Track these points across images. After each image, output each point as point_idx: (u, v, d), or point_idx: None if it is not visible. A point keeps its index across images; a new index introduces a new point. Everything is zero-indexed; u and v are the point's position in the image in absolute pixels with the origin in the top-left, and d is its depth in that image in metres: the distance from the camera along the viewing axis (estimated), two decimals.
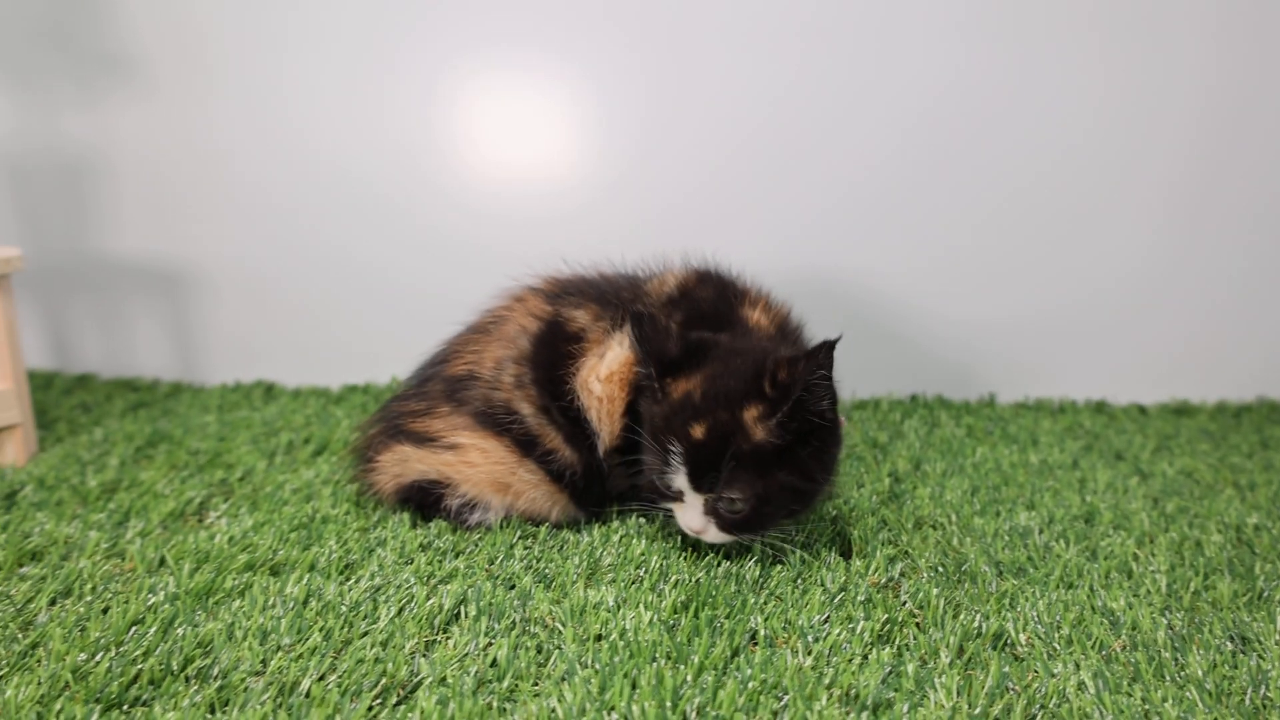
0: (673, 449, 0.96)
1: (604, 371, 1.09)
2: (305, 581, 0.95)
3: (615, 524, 1.14)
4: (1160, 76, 1.68)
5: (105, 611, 0.89)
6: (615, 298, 1.14)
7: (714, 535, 0.99)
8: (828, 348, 0.93)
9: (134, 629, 0.86)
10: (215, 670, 0.79)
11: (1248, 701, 0.76)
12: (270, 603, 0.91)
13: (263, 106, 1.79)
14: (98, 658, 0.80)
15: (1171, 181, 1.72)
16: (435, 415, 1.13)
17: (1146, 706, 0.75)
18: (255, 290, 1.88)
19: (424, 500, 1.13)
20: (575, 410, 1.09)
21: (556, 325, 1.13)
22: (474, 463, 1.10)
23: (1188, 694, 0.77)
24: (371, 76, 1.76)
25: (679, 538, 1.08)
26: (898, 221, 1.76)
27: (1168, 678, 0.79)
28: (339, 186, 1.81)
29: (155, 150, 1.83)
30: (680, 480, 0.97)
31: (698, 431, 0.95)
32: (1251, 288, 1.75)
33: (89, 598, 0.92)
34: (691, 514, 0.98)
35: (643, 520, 1.15)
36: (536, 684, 0.78)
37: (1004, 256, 1.77)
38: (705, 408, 0.96)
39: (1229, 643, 0.86)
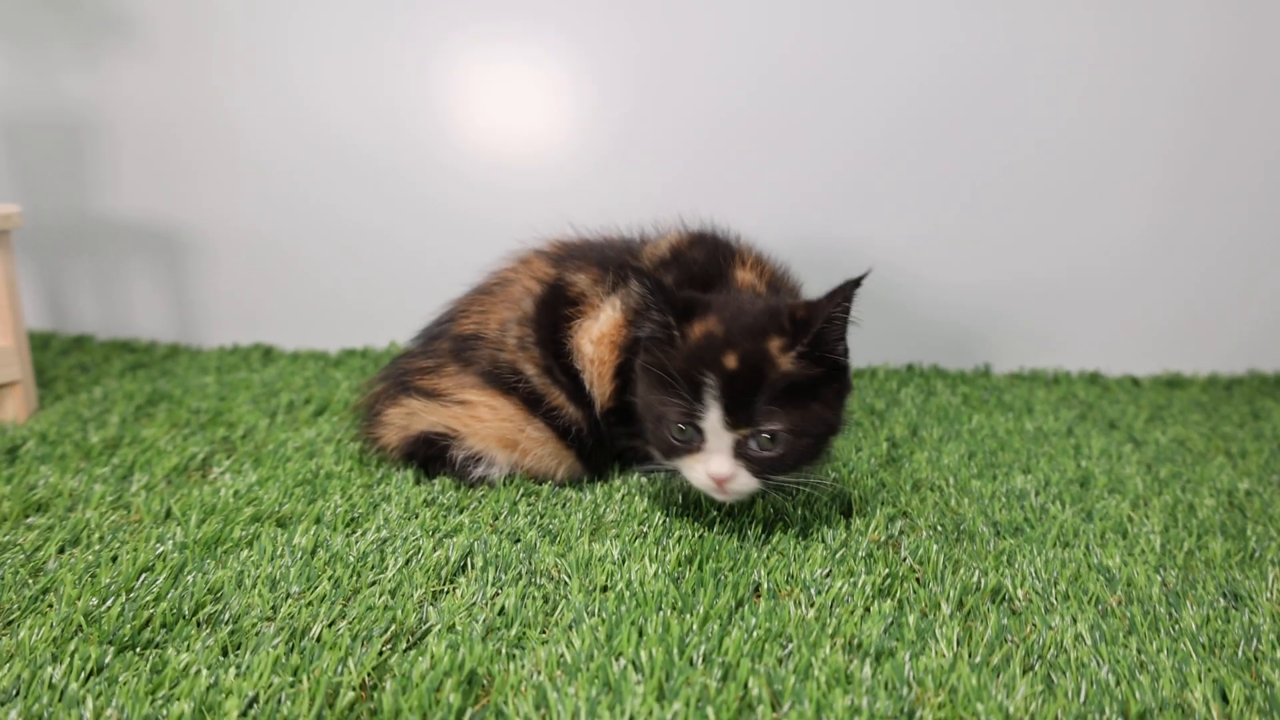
0: (706, 380, 0.91)
1: (595, 334, 1.10)
2: (313, 533, 0.96)
3: (618, 483, 1.15)
4: (1154, 50, 1.68)
5: (114, 560, 0.90)
6: (614, 261, 1.15)
7: (742, 482, 0.93)
8: (852, 284, 0.93)
9: (144, 576, 0.86)
10: (226, 615, 0.80)
11: (1240, 654, 0.78)
12: (279, 552, 0.92)
13: (263, 69, 1.79)
14: (109, 603, 0.81)
15: (1165, 155, 1.73)
16: (443, 374, 1.15)
17: (1142, 657, 0.76)
18: (254, 253, 1.88)
19: (429, 453, 1.14)
20: (576, 371, 1.11)
21: (558, 289, 1.14)
22: (483, 418, 1.12)
23: (1182, 645, 0.78)
24: (371, 43, 1.76)
25: (682, 496, 1.09)
26: (894, 192, 1.77)
27: (1162, 631, 0.81)
28: (337, 152, 1.81)
29: (154, 111, 1.82)
30: (711, 419, 0.92)
31: (731, 361, 0.92)
32: (1243, 262, 1.77)
33: (97, 546, 0.93)
34: (718, 460, 0.93)
35: (644, 480, 1.16)
36: (544, 631, 0.79)
37: (1000, 229, 1.78)
38: (733, 339, 0.93)
39: (1221, 599, 0.87)
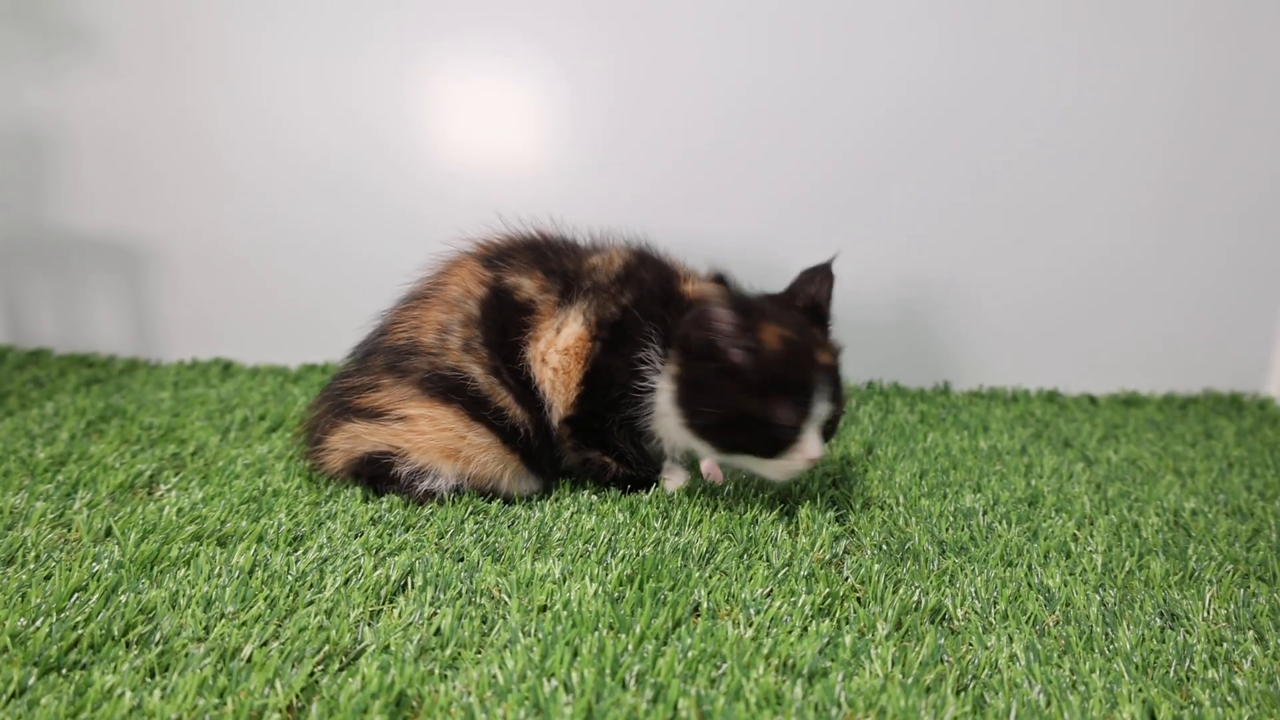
0: (817, 380, 1.02)
1: (561, 344, 1.12)
2: (253, 552, 0.95)
3: (567, 500, 1.15)
4: (1130, 78, 1.70)
5: (48, 579, 0.89)
6: (559, 268, 1.17)
7: (820, 449, 1.04)
8: (829, 266, 1.15)
9: (76, 595, 0.85)
10: (157, 636, 0.79)
11: (1172, 673, 0.78)
12: (216, 572, 0.91)
13: (227, 81, 1.79)
14: (38, 623, 0.80)
15: (1130, 181, 1.75)
16: (380, 389, 1.14)
17: (1074, 677, 0.77)
18: (216, 267, 1.88)
19: (375, 472, 1.14)
20: (526, 375, 1.13)
21: (503, 292, 1.15)
22: (423, 430, 1.11)
23: (1115, 666, 0.78)
24: (342, 54, 1.76)
25: (628, 513, 1.09)
26: (864, 211, 1.78)
27: (1097, 650, 0.81)
28: (304, 164, 1.81)
29: (116, 125, 1.81)
30: (819, 412, 1.02)
31: (825, 358, 1.05)
32: (1200, 283, 1.78)
33: (31, 565, 0.92)
34: (814, 444, 1.03)
35: (594, 497, 1.16)
36: (479, 652, 0.79)
37: (963, 249, 1.79)
38: (812, 338, 1.06)
39: (1158, 619, 0.88)
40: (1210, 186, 1.74)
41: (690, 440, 1.09)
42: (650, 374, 1.09)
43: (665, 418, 1.10)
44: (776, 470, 1.06)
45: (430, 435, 1.11)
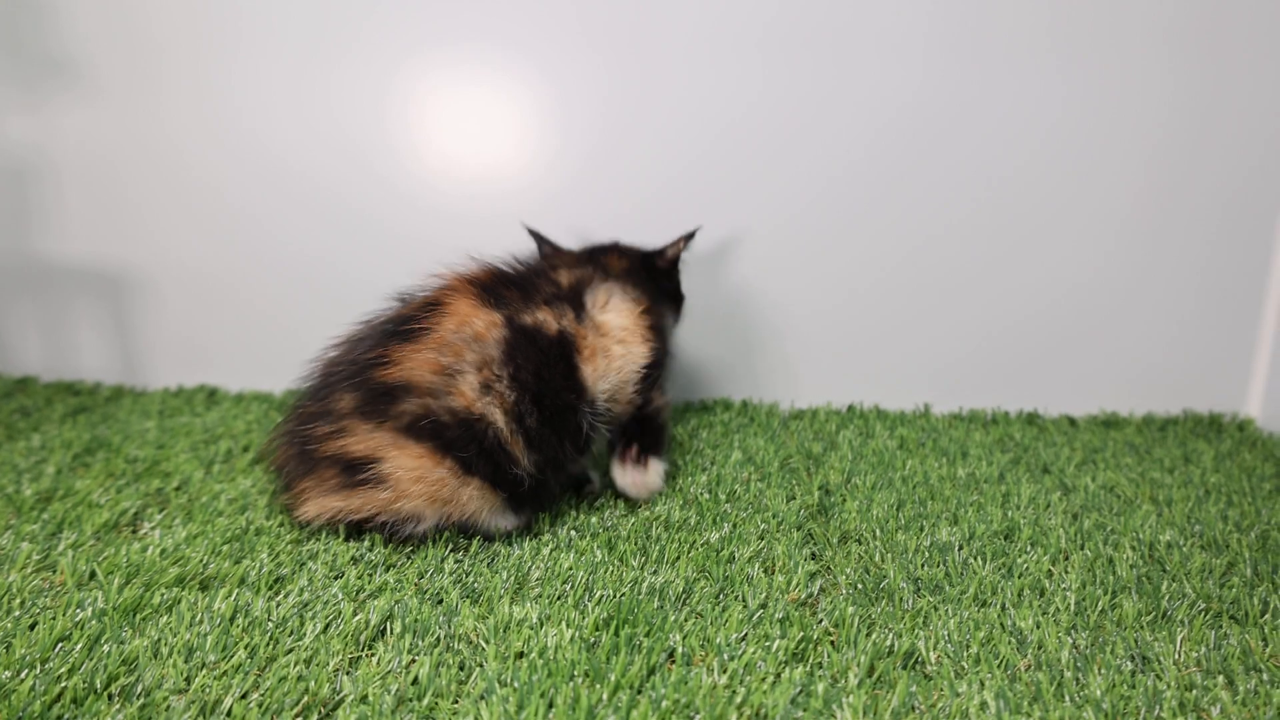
0: None
1: (620, 324, 1.28)
2: (234, 597, 0.96)
3: (546, 536, 1.16)
4: (1108, 104, 1.72)
5: (33, 627, 0.90)
6: (551, 294, 1.24)
7: None
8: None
9: (60, 645, 0.86)
10: (139, 688, 0.80)
11: None
12: (197, 619, 0.92)
13: (210, 105, 1.79)
14: (22, 674, 0.81)
15: (1110, 201, 1.76)
16: (353, 434, 1.10)
17: None
18: (199, 292, 1.88)
19: (358, 528, 1.13)
20: (571, 400, 1.19)
21: (530, 332, 1.17)
22: (409, 491, 1.09)
23: (1085, 714, 0.80)
24: (323, 73, 1.77)
25: (606, 550, 1.10)
26: (847, 233, 1.79)
27: (1067, 698, 0.82)
28: (289, 185, 1.82)
29: (99, 152, 1.82)
30: None
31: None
32: (1180, 305, 1.80)
33: (17, 613, 0.93)
34: None
35: (574, 532, 1.17)
36: (456, 702, 0.80)
37: (945, 273, 1.80)
38: None
39: (1129, 662, 0.89)
40: (1189, 203, 1.76)
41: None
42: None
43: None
44: None
45: (420, 487, 1.09)
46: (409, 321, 1.15)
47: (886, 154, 1.76)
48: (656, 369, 1.31)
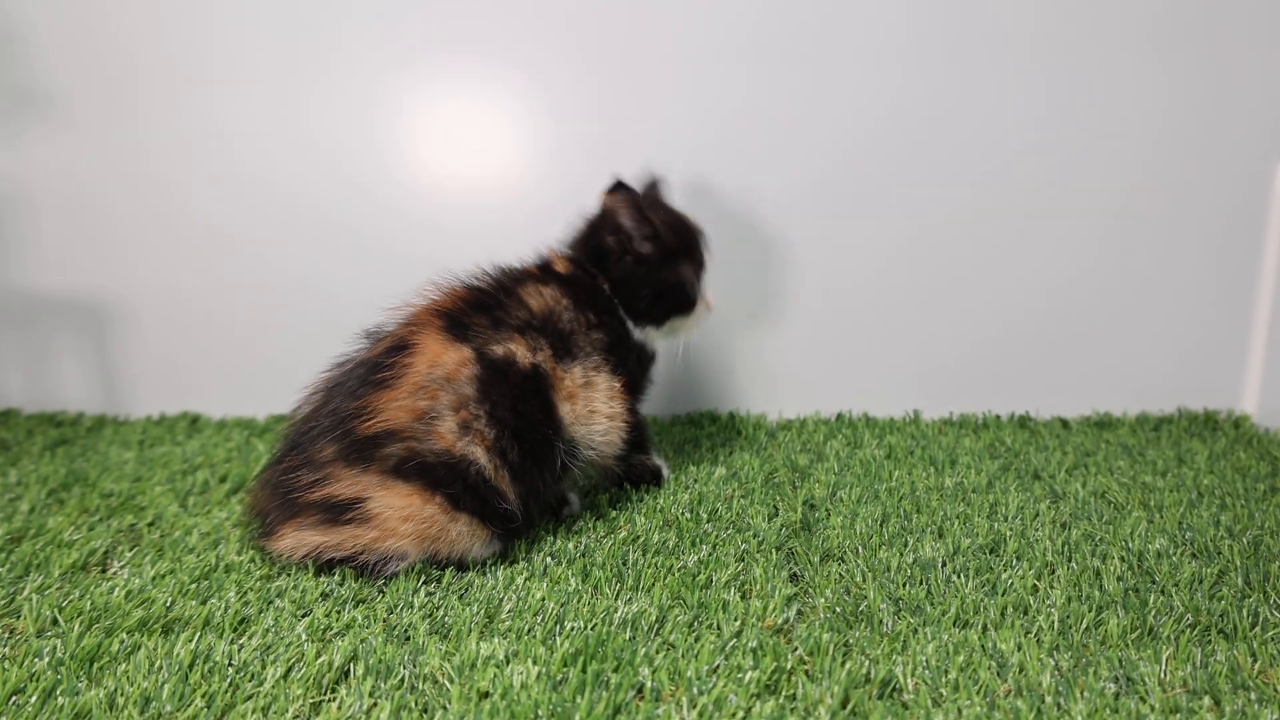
0: (700, 241, 1.43)
1: (605, 398, 1.27)
2: (195, 641, 0.94)
3: (521, 564, 1.14)
4: (1097, 102, 1.69)
5: None
6: (525, 321, 1.22)
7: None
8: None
9: (14, 699, 0.84)
10: None
11: None
12: (156, 666, 0.90)
13: (188, 129, 1.78)
14: None
15: (1099, 200, 1.74)
16: (338, 480, 1.09)
17: None
18: (181, 318, 1.87)
19: (340, 566, 1.11)
20: (546, 435, 1.19)
21: (499, 365, 1.16)
22: (396, 530, 1.08)
23: None
24: (304, 90, 1.76)
25: (580, 578, 1.08)
26: (835, 238, 1.77)
27: None
28: (268, 205, 1.81)
29: (75, 182, 1.81)
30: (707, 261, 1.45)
31: (693, 222, 1.45)
32: (1172, 303, 1.77)
33: None
34: (710, 292, 1.46)
35: (550, 559, 1.15)
36: None
37: (934, 277, 1.78)
38: (677, 214, 1.45)
39: (1113, 684, 0.86)
40: (1179, 198, 1.73)
41: (638, 331, 1.38)
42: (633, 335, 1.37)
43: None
44: (694, 324, 1.43)
45: (409, 526, 1.08)
46: (380, 369, 1.14)
47: (871, 158, 1.74)
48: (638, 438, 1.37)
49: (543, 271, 1.34)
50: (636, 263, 1.35)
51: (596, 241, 1.36)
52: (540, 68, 1.74)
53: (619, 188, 1.38)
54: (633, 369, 1.36)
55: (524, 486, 1.16)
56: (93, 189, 1.81)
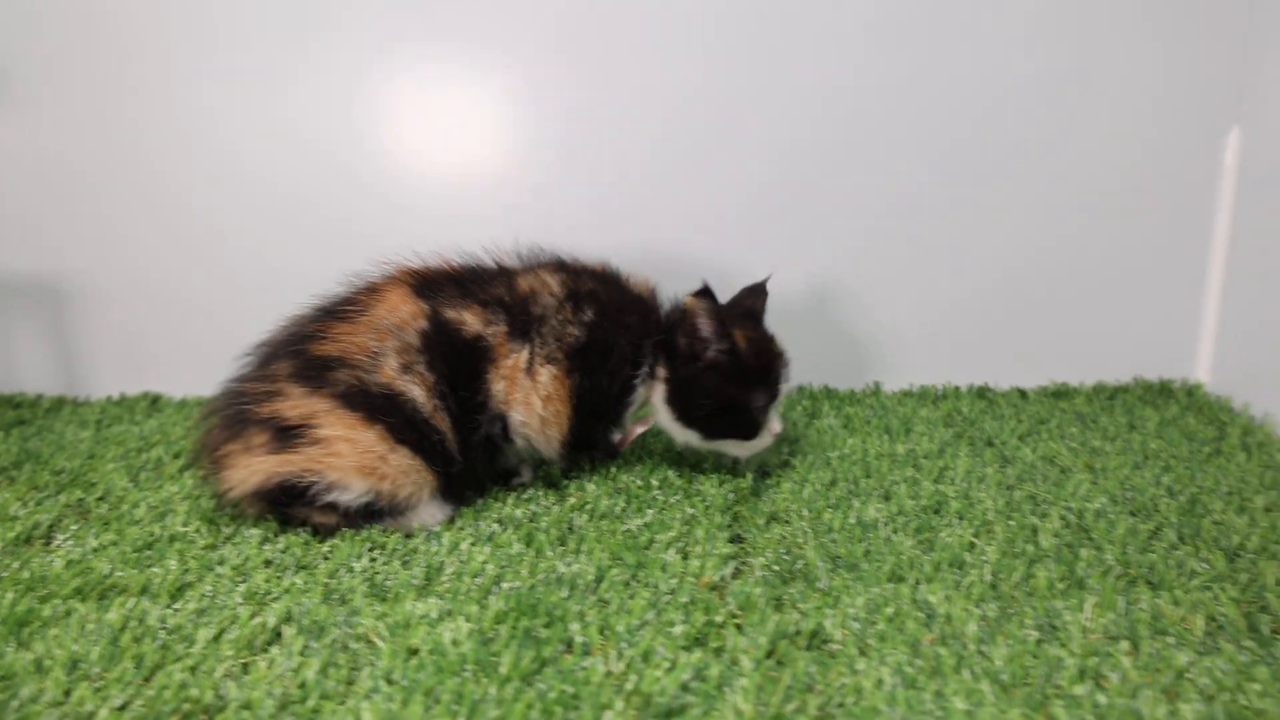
0: (782, 371, 1.28)
1: (543, 394, 1.21)
2: (130, 606, 0.94)
3: (467, 530, 1.14)
4: (1047, 78, 1.70)
5: None
6: (494, 297, 1.23)
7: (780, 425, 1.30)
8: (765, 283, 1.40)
9: None
10: (15, 703, 0.78)
11: (1038, 691, 0.77)
12: (87, 630, 0.90)
13: (145, 105, 1.78)
14: None
15: (1051, 174, 1.75)
16: (287, 398, 1.13)
17: (939, 700, 0.76)
18: (142, 297, 1.86)
19: (287, 498, 1.13)
20: (481, 403, 1.20)
21: (446, 326, 1.19)
22: (341, 453, 1.11)
23: (981, 687, 0.78)
24: (274, 68, 1.76)
25: (524, 544, 1.09)
26: (795, 216, 1.78)
27: (967, 671, 0.81)
28: (235, 183, 1.80)
29: (31, 159, 1.80)
30: (782, 391, 1.29)
31: (780, 349, 1.30)
32: (1125, 273, 1.78)
33: None
34: (777, 420, 1.30)
35: (496, 525, 1.15)
36: (343, 702, 0.78)
37: (893, 251, 1.79)
38: (769, 335, 1.32)
39: (1035, 631, 0.87)
40: (1134, 176, 1.75)
41: (678, 431, 1.28)
42: (640, 384, 1.28)
43: (657, 413, 1.29)
44: (751, 448, 1.29)
45: (348, 457, 1.11)
46: (346, 304, 1.21)
47: (831, 134, 1.75)
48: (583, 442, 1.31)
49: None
50: (706, 370, 1.24)
51: (670, 339, 1.26)
52: (522, 57, 1.74)
53: (704, 293, 1.21)
54: (603, 390, 1.26)
55: (462, 438, 1.19)
56: (50, 166, 1.80)
